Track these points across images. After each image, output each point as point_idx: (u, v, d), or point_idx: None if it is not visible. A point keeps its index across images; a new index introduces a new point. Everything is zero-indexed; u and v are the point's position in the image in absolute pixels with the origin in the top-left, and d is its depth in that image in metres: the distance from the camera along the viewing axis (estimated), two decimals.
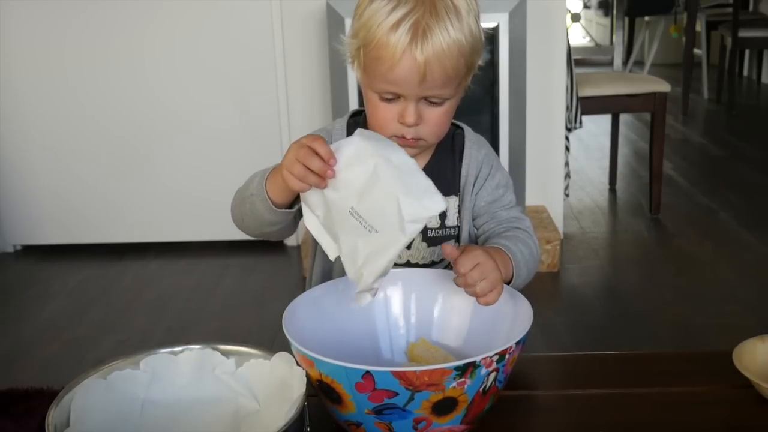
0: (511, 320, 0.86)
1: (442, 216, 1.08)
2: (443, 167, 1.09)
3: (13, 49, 2.83)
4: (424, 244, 1.08)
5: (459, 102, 1.02)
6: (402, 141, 0.99)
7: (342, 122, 1.10)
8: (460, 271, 0.86)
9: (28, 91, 2.87)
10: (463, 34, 0.94)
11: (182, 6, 2.79)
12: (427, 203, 0.78)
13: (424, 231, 1.07)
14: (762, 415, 0.84)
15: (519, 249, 0.98)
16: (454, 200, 1.09)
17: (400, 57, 0.91)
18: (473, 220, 1.10)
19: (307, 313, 0.87)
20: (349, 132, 1.08)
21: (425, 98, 0.96)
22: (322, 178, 0.83)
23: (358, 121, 1.11)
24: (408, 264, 1.08)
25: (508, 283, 0.94)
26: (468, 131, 1.12)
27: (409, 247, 1.07)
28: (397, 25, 0.91)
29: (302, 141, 0.86)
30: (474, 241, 1.10)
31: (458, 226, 1.09)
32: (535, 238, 1.06)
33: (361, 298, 0.83)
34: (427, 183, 0.80)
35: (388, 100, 0.97)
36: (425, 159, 1.09)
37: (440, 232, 1.08)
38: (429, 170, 1.08)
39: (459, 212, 1.09)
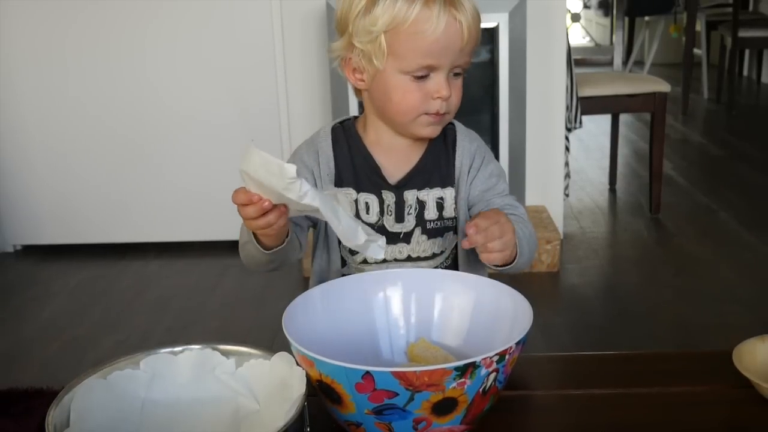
0: (511, 320, 0.86)
1: (440, 208, 1.09)
2: (437, 160, 1.11)
3: (14, 48, 2.83)
4: (424, 237, 1.09)
5: None
6: (434, 118, 1.03)
7: (326, 129, 1.12)
8: (480, 225, 0.89)
9: (28, 91, 2.87)
10: (476, 3, 1.02)
11: (183, 6, 2.79)
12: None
13: (423, 223, 1.09)
14: (762, 415, 0.84)
15: (520, 228, 1.00)
16: (450, 192, 1.10)
17: (445, 25, 0.97)
18: (469, 209, 1.11)
19: (307, 313, 0.87)
20: (334, 137, 1.10)
21: (452, 69, 1.01)
22: (269, 210, 0.85)
23: (346, 125, 1.13)
24: (409, 258, 1.09)
25: (512, 262, 0.98)
26: (459, 126, 1.14)
27: (408, 241, 1.09)
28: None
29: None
30: None
31: (455, 218, 1.11)
32: (531, 224, 1.09)
33: (371, 253, 0.85)
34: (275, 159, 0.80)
35: (420, 79, 1.00)
36: (419, 152, 1.10)
37: (438, 223, 1.10)
38: (424, 163, 1.10)
39: (455, 203, 1.10)
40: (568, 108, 2.95)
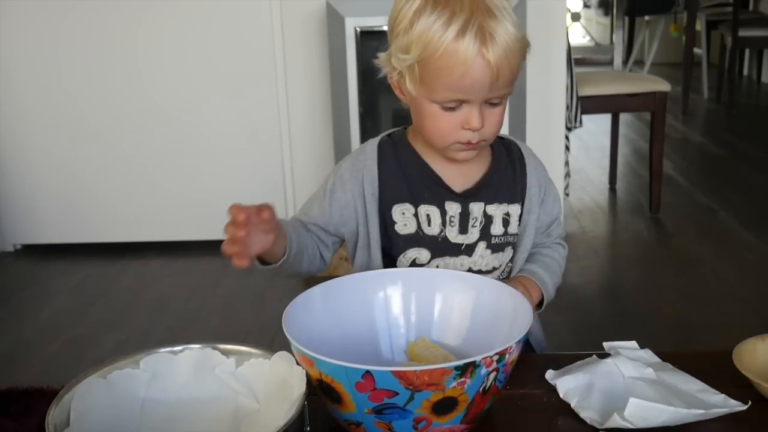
0: (511, 320, 0.86)
1: (506, 223, 1.08)
2: (504, 175, 1.10)
3: (14, 48, 2.83)
4: (488, 251, 1.08)
5: None
6: (467, 146, 1.00)
7: (373, 145, 1.09)
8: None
9: (28, 91, 2.87)
10: (517, 28, 0.97)
11: (183, 6, 2.79)
12: None
13: (488, 238, 1.08)
14: (762, 415, 0.84)
15: (546, 275, 1.13)
16: (516, 208, 1.09)
17: (472, 63, 0.92)
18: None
19: (307, 313, 0.87)
20: (381, 154, 1.07)
21: (487, 100, 0.97)
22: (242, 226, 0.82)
23: (395, 136, 1.09)
24: (470, 271, 1.07)
25: (539, 305, 1.11)
26: (523, 145, 1.15)
27: (470, 254, 1.07)
28: (462, 32, 0.92)
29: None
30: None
31: (517, 234, 1.10)
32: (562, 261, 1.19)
33: None
34: None
35: (451, 109, 0.97)
36: (484, 167, 1.09)
37: (502, 239, 1.09)
38: (491, 176, 1.08)
39: (519, 220, 1.10)
40: (568, 107, 2.95)
